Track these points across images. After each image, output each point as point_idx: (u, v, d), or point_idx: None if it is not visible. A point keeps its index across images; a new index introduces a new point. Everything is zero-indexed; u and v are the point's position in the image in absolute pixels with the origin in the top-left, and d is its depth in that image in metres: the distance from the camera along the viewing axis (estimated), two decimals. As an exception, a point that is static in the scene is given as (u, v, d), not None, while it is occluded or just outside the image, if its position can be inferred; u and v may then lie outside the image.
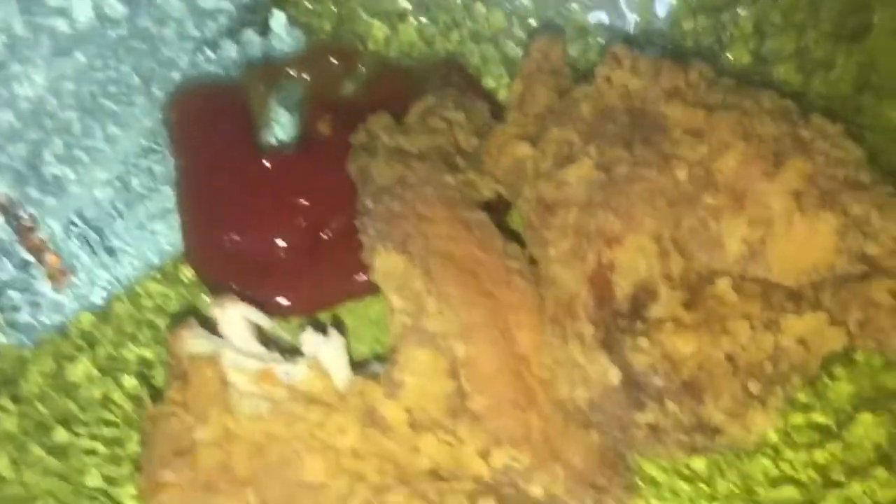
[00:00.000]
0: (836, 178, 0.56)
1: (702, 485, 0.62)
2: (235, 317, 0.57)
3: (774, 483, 0.61)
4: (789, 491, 0.60)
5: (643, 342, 0.52)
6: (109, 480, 0.59)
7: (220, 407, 0.50)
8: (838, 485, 0.59)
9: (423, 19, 0.80)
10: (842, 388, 0.63)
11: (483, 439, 0.55)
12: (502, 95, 0.76)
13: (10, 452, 0.59)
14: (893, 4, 0.69)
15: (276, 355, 0.57)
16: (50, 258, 0.65)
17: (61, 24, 0.70)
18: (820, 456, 0.61)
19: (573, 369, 0.53)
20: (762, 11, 0.74)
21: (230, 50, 0.75)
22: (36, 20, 0.70)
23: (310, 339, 0.57)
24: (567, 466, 0.56)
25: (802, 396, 0.63)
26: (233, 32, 0.76)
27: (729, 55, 0.75)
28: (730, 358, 0.53)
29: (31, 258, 0.65)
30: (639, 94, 0.59)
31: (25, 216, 0.65)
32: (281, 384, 0.53)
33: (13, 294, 0.64)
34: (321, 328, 0.58)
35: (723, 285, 0.55)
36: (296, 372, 0.54)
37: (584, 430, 0.54)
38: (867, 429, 0.60)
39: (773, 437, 0.63)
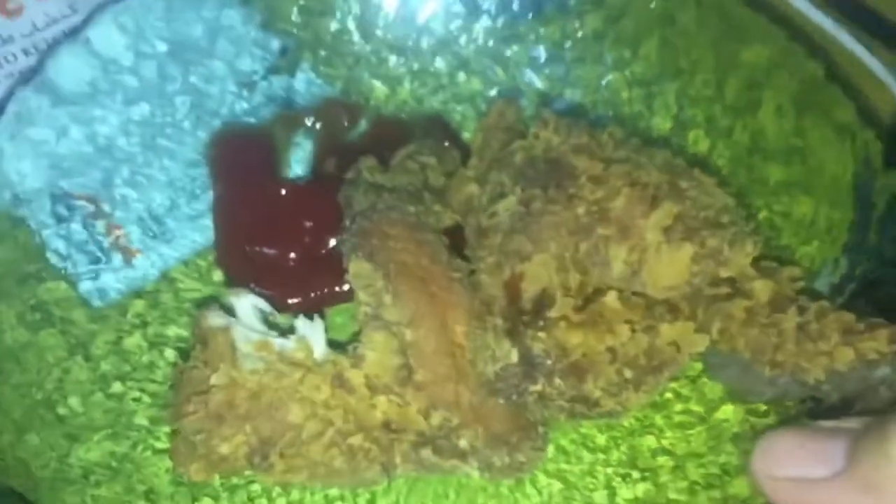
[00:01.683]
0: (699, 219, 0.73)
1: (600, 454, 0.79)
2: (246, 304, 0.77)
3: (654, 454, 0.78)
4: (664, 460, 0.77)
5: (541, 334, 0.70)
6: (151, 420, 0.77)
7: (228, 362, 0.69)
8: (699, 455, 0.76)
9: (416, 83, 0.98)
10: (714, 386, 0.80)
11: (424, 403, 0.71)
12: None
13: (80, 395, 0.77)
14: (778, 85, 0.87)
15: (275, 333, 0.76)
16: (122, 240, 0.85)
17: (131, 80, 0.89)
18: (690, 435, 0.78)
19: (486, 351, 0.70)
20: (682, 86, 0.91)
21: (261, 102, 0.95)
22: (112, 76, 0.89)
23: (301, 323, 0.75)
24: (486, 427, 0.73)
25: (685, 390, 0.80)
26: (264, 88, 0.96)
27: (656, 119, 0.93)
28: (610, 350, 0.70)
29: (108, 238, 0.84)
30: (557, 148, 0.77)
31: (106, 209, 0.85)
32: (274, 352, 0.72)
33: (96, 265, 0.84)
34: (311, 317, 0.77)
35: (611, 296, 0.72)
36: (287, 345, 0.73)
37: (496, 399, 0.72)
38: (727, 415, 0.77)
39: (660, 420, 0.80)
